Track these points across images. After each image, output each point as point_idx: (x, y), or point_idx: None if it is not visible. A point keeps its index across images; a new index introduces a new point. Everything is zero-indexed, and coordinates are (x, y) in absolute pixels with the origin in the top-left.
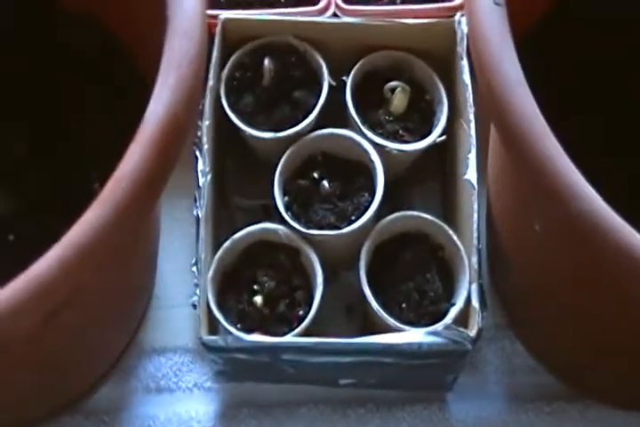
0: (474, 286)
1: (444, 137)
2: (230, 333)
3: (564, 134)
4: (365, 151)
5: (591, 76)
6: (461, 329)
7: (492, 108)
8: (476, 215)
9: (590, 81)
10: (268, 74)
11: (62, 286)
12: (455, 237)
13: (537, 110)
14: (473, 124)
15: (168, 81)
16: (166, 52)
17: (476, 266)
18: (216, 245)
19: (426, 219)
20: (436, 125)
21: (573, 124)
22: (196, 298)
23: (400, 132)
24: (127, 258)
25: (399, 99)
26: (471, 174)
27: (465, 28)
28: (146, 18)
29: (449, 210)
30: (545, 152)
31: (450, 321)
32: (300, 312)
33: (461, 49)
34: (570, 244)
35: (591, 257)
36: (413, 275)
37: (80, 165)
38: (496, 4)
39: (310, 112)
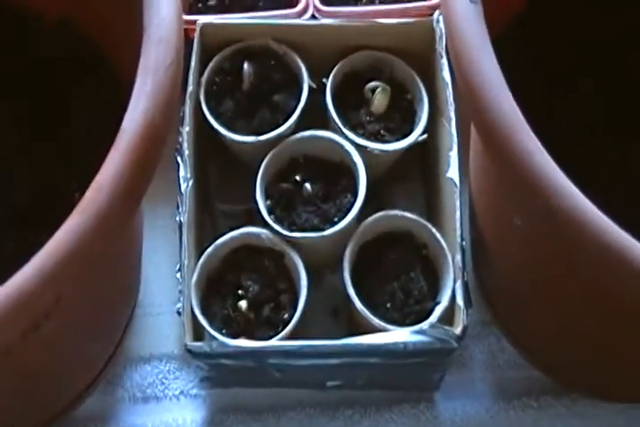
0: (458, 284)
1: (425, 136)
2: (215, 338)
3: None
4: (347, 152)
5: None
6: (446, 327)
7: (471, 107)
8: (458, 213)
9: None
10: (247, 78)
11: (42, 297)
12: (438, 236)
13: (516, 108)
14: (454, 122)
15: (145, 88)
16: (143, 60)
17: (459, 264)
18: (200, 251)
19: (409, 218)
20: (417, 124)
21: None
22: (180, 305)
23: (381, 132)
24: (109, 266)
25: (380, 99)
26: (453, 172)
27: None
28: (125, 27)
29: (432, 208)
30: (524, 149)
31: (435, 320)
32: (286, 316)
33: (441, 47)
34: (550, 238)
35: (572, 252)
36: (398, 274)
37: (62, 176)
38: (472, 2)
39: (291, 115)
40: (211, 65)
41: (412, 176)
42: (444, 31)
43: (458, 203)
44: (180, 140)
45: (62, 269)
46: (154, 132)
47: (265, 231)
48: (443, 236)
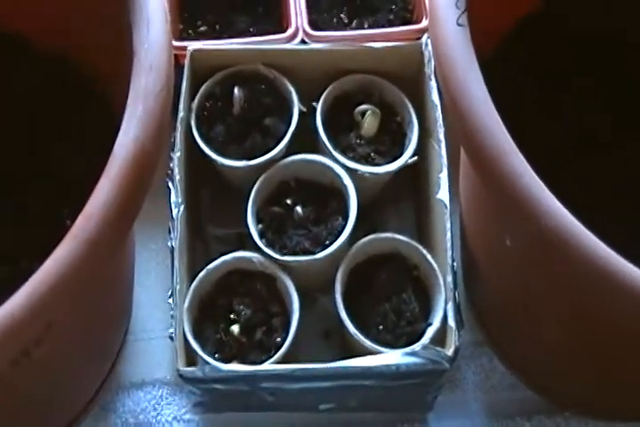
0: (450, 305)
1: (415, 158)
2: (208, 363)
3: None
4: (338, 176)
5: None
6: (438, 348)
7: (460, 130)
8: (449, 234)
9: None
10: (238, 103)
11: (33, 325)
12: (429, 257)
13: (503, 129)
14: (443, 144)
15: (135, 115)
16: (133, 87)
17: (451, 285)
18: (192, 276)
19: (400, 240)
20: (408, 146)
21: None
22: (172, 330)
23: (372, 154)
24: (100, 292)
25: (370, 122)
26: (443, 194)
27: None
28: (115, 53)
29: (423, 230)
30: (513, 171)
31: (427, 341)
32: (278, 339)
33: (430, 70)
34: (540, 258)
35: (560, 272)
36: (389, 296)
37: (52, 204)
38: (459, 25)
39: (281, 139)
40: (201, 90)
41: (403, 198)
42: (432, 54)
43: (448, 224)
44: (172, 165)
45: (53, 297)
46: (144, 159)
47: (256, 255)
48: (434, 257)
